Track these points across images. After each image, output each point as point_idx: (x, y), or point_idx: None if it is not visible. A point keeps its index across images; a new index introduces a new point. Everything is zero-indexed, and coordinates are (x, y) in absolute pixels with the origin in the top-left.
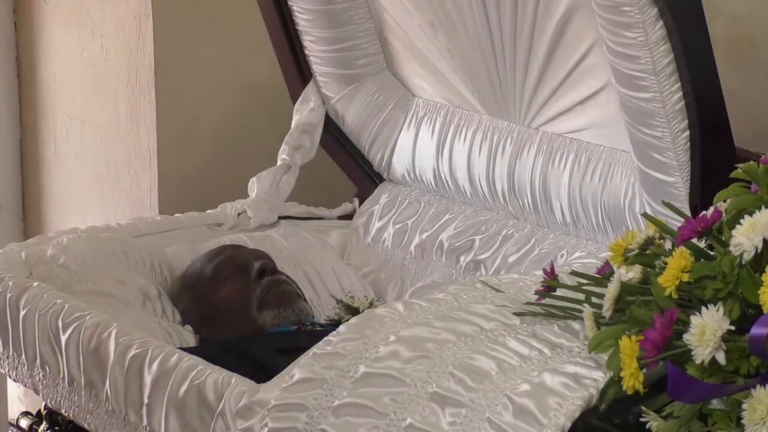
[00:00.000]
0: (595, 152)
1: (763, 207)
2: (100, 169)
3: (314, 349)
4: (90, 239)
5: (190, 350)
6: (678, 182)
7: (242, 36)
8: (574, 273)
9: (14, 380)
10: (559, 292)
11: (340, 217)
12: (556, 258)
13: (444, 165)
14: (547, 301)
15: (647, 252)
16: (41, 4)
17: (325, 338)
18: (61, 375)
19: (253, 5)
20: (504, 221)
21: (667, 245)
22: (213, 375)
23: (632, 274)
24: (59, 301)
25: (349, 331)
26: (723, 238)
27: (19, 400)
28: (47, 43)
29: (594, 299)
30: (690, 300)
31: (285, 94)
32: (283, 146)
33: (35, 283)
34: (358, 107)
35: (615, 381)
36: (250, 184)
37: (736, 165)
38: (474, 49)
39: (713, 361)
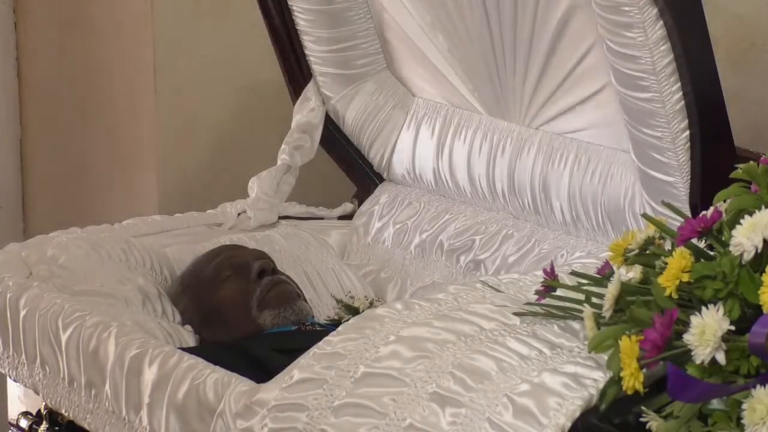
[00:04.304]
0: (595, 152)
1: (763, 207)
2: (100, 169)
3: (314, 349)
4: (90, 239)
5: (190, 350)
6: (678, 182)
7: (242, 36)
8: (574, 273)
9: (14, 380)
10: (559, 292)
11: (340, 217)
12: (556, 258)
13: (444, 165)
14: (547, 301)
15: (647, 252)
16: (41, 3)
17: (325, 338)
18: (61, 375)
19: (253, 5)
20: (504, 221)
21: (667, 245)
22: (213, 375)
23: (632, 274)
24: (59, 301)
25: (349, 331)
26: (723, 238)
27: (19, 400)
28: (47, 42)
29: (594, 299)
30: (690, 300)
31: (285, 94)
32: (283, 146)
33: (35, 283)
34: (358, 107)
35: (615, 381)
36: (250, 184)
37: (736, 165)
38: (474, 49)
39: (713, 361)
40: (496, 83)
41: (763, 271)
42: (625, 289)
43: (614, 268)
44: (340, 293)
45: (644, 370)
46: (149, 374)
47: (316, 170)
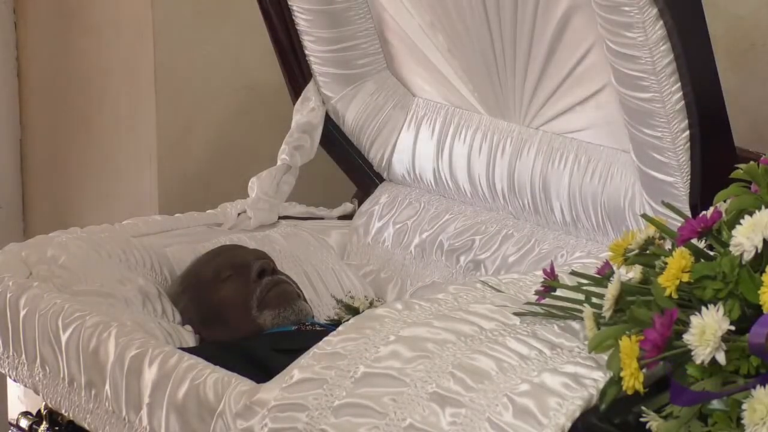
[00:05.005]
0: (595, 152)
1: (763, 207)
2: (101, 169)
3: (314, 349)
4: (90, 239)
5: (190, 350)
6: (678, 182)
7: (242, 36)
8: (574, 273)
9: (14, 380)
10: (559, 292)
11: (340, 217)
12: (556, 258)
13: (444, 165)
14: (547, 301)
15: (647, 252)
16: (41, 3)
17: (325, 338)
18: (61, 375)
19: (253, 5)
20: (504, 221)
21: (667, 245)
22: (213, 375)
23: (632, 274)
24: (59, 301)
25: (349, 331)
26: (723, 239)
27: (19, 400)
28: (48, 42)
29: (594, 299)
30: (690, 300)
31: (285, 94)
32: (283, 146)
33: (35, 283)
34: (358, 107)
35: (615, 381)
36: (250, 184)
37: (736, 165)
38: (474, 49)
39: (713, 361)
40: (496, 83)
41: (763, 271)
42: (625, 289)
43: (614, 268)
44: (340, 293)
45: (644, 370)
46: (149, 374)
47: (316, 170)
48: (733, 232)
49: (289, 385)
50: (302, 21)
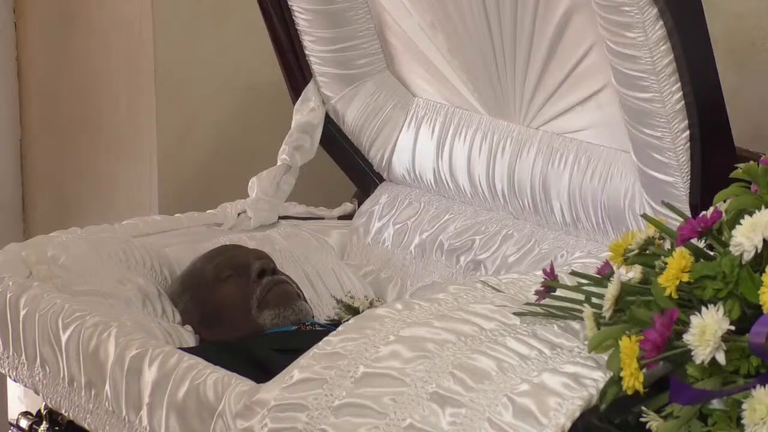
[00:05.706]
0: (595, 152)
1: (763, 207)
2: (100, 169)
3: (314, 349)
4: (90, 239)
5: (190, 350)
6: (678, 182)
7: (242, 36)
8: (574, 273)
9: (14, 380)
10: (559, 292)
11: (340, 217)
12: (556, 258)
13: (444, 165)
14: (547, 301)
15: (647, 252)
16: (41, 4)
17: (325, 338)
18: (61, 375)
19: (253, 5)
20: (504, 221)
21: (667, 245)
22: (213, 375)
23: (632, 274)
24: (59, 301)
25: (349, 331)
26: (723, 238)
27: (19, 400)
28: (47, 42)
29: (594, 299)
30: (690, 300)
31: (285, 94)
32: (283, 146)
33: (35, 283)
34: (358, 107)
35: (615, 381)
36: (250, 184)
37: (736, 165)
38: (474, 49)
39: (713, 361)
40: (496, 83)
41: (763, 271)
42: (625, 289)
43: (614, 268)
44: (340, 293)
45: (644, 370)
46: (149, 374)
47: (316, 170)
48: (733, 232)
49: (289, 385)
50: (302, 21)
